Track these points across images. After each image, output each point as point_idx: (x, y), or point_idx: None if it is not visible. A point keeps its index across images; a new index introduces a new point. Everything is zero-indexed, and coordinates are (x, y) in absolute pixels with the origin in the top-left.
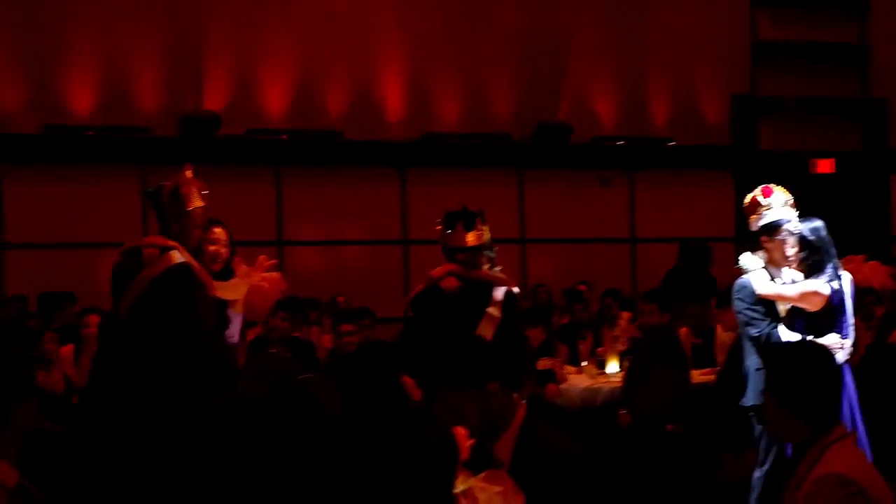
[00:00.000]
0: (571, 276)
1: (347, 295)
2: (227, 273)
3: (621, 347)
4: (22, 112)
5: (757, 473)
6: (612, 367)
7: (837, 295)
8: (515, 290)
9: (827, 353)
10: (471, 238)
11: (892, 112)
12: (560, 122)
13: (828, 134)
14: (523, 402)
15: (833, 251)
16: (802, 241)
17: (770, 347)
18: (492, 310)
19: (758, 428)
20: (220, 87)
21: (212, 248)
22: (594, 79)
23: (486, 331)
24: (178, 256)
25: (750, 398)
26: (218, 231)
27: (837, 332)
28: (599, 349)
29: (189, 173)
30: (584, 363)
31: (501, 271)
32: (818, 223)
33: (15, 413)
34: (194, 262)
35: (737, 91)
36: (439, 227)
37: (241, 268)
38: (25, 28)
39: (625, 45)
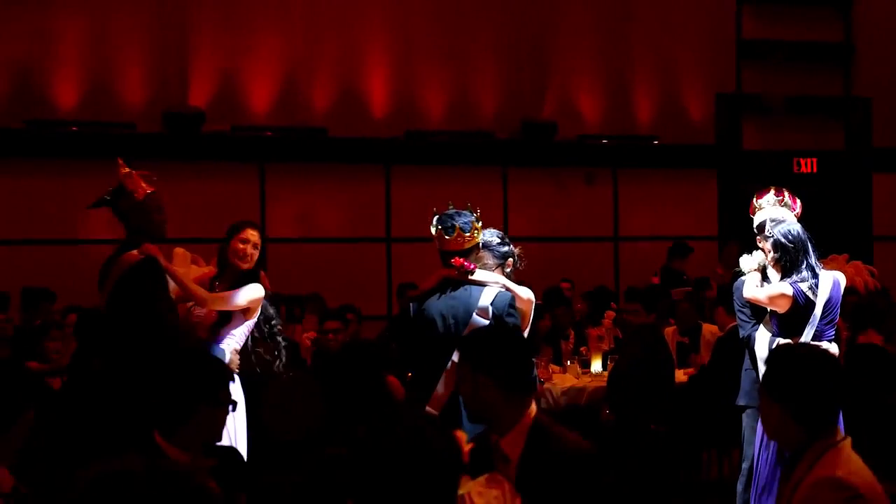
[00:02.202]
0: (555, 274)
1: (331, 292)
2: (253, 274)
3: (605, 347)
4: (4, 106)
5: (744, 464)
6: (597, 366)
7: (802, 296)
8: (526, 292)
9: (829, 357)
10: (465, 240)
11: (876, 111)
12: (545, 119)
13: (811, 133)
14: (533, 399)
15: (809, 252)
16: (775, 242)
17: (773, 350)
18: (479, 313)
19: (745, 426)
20: (206, 83)
21: (240, 246)
22: (579, 77)
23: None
24: (136, 254)
25: (741, 398)
26: (250, 232)
27: (812, 333)
28: (583, 348)
29: (124, 168)
30: (567, 363)
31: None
32: (791, 225)
33: (18, 421)
34: (156, 252)
35: (721, 90)
36: (433, 228)
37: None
38: (8, 21)
39: (610, 44)
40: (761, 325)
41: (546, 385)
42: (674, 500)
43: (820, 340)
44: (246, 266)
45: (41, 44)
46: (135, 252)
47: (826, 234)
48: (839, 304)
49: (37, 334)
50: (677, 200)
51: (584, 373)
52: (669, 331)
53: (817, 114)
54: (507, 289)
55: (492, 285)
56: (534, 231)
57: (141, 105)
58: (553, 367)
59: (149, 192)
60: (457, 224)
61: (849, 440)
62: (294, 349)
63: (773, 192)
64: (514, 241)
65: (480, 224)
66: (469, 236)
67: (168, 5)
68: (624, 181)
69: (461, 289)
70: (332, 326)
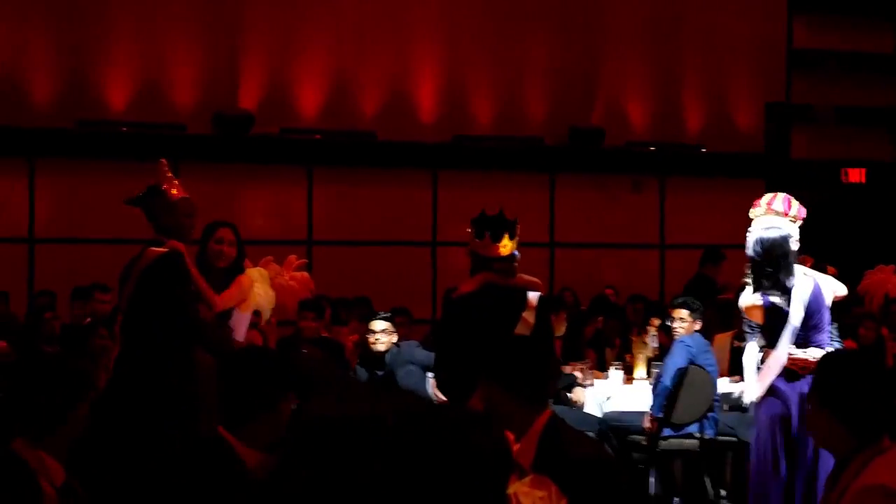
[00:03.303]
0: (600, 281)
1: (376, 296)
2: (233, 273)
3: (650, 354)
4: (55, 107)
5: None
6: (640, 373)
7: (770, 306)
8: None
9: (880, 363)
10: (507, 247)
11: None
12: (593, 126)
13: (860, 143)
14: (547, 406)
15: (783, 262)
16: (748, 253)
17: (823, 357)
18: (527, 314)
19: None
20: (255, 85)
21: (216, 247)
22: (628, 84)
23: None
24: (160, 249)
25: None
26: (221, 231)
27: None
28: (627, 355)
29: (166, 169)
30: (611, 369)
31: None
32: (763, 233)
33: (72, 415)
34: (183, 249)
35: (771, 99)
36: (470, 232)
37: (250, 269)
38: (62, 23)
39: (659, 51)
40: (752, 338)
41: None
42: None
43: (806, 347)
44: (223, 264)
45: (93, 44)
46: (158, 248)
47: (874, 244)
48: (826, 310)
49: (85, 332)
50: (724, 209)
51: (627, 379)
52: (723, 337)
53: (866, 124)
54: (542, 290)
55: (534, 288)
56: (580, 238)
57: (191, 106)
58: (597, 372)
59: (183, 195)
60: (501, 230)
61: None
62: (339, 351)
63: (764, 198)
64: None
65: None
66: (514, 243)
67: (219, 7)
68: (671, 189)
69: (507, 292)
70: (379, 328)
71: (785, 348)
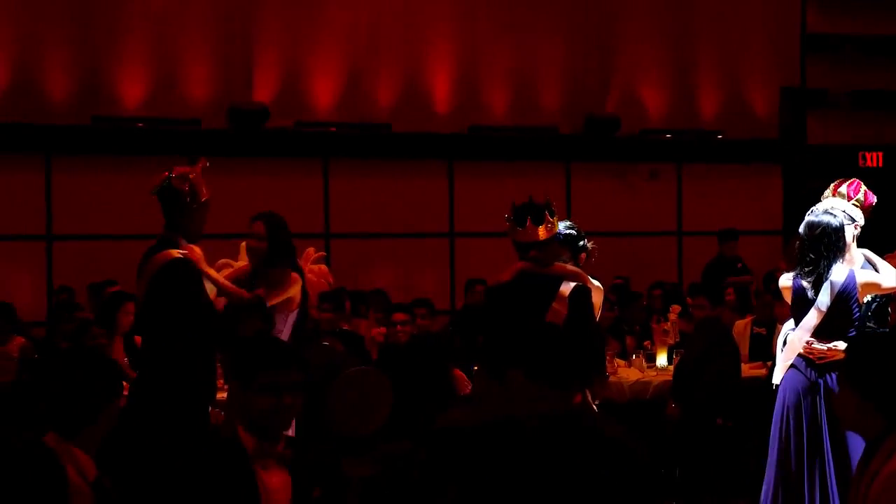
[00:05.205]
0: (617, 269)
1: (393, 287)
2: (274, 267)
3: (671, 341)
4: (71, 103)
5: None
6: (662, 360)
7: (800, 290)
8: (596, 283)
9: None
10: (542, 232)
11: None
12: (608, 114)
13: (876, 126)
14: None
15: (822, 246)
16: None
17: (853, 338)
18: (558, 304)
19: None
20: (270, 78)
21: (248, 242)
22: (643, 71)
23: None
24: (174, 252)
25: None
26: (254, 226)
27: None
28: (647, 342)
29: (201, 166)
30: (633, 356)
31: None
32: (817, 216)
33: (105, 411)
34: (196, 251)
35: (786, 84)
36: (507, 222)
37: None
38: (76, 18)
39: (673, 38)
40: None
41: (611, 379)
42: (741, 494)
43: (831, 338)
44: (254, 259)
45: (107, 41)
46: (172, 251)
47: (892, 228)
48: (855, 303)
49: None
50: (741, 195)
51: (649, 367)
52: (742, 323)
53: (882, 107)
54: (585, 281)
55: (569, 278)
56: (597, 226)
57: (205, 101)
58: (618, 360)
59: (208, 197)
60: (534, 216)
61: None
62: (359, 343)
63: (835, 183)
64: None
65: (556, 216)
66: (547, 228)
67: (232, 1)
68: (687, 176)
69: (539, 281)
70: (400, 319)
71: (803, 334)
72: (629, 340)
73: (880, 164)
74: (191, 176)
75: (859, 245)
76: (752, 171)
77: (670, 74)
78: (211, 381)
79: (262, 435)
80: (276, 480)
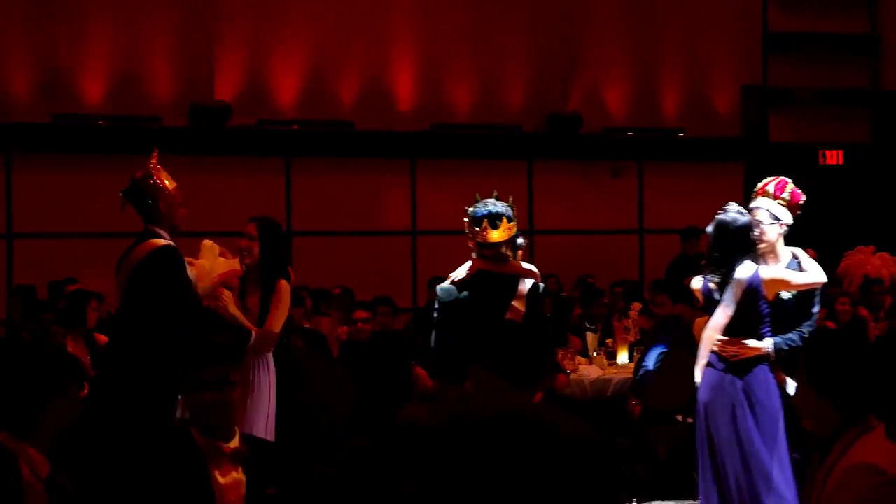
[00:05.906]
0: (580, 267)
1: (356, 285)
2: (267, 275)
3: (631, 338)
4: (31, 100)
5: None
6: (623, 357)
7: (706, 291)
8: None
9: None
10: (498, 234)
11: None
12: (570, 112)
13: (838, 125)
14: (539, 389)
15: (733, 247)
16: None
17: (811, 335)
18: (517, 303)
19: None
20: (232, 76)
21: (241, 242)
22: (605, 70)
23: None
24: (160, 241)
25: None
26: (247, 226)
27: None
28: (609, 340)
29: (155, 160)
30: (594, 354)
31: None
32: (726, 216)
33: (53, 402)
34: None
35: (748, 82)
36: (466, 220)
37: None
38: (37, 16)
39: (636, 36)
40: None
41: (573, 376)
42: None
43: (740, 336)
44: (248, 261)
45: (68, 38)
46: (157, 241)
47: (852, 226)
48: (763, 302)
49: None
50: (703, 193)
51: (610, 364)
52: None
53: (844, 106)
54: (538, 279)
55: (526, 276)
56: (559, 224)
57: (168, 99)
58: (579, 358)
59: (174, 185)
60: (504, 215)
61: (882, 426)
62: (321, 341)
63: (763, 183)
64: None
65: (514, 221)
66: (511, 226)
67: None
68: (650, 174)
69: (498, 280)
70: (361, 316)
71: (712, 333)
72: (590, 338)
73: (840, 162)
74: (150, 169)
75: (808, 243)
76: (714, 169)
77: (632, 73)
78: (178, 381)
79: (208, 432)
80: (228, 479)
